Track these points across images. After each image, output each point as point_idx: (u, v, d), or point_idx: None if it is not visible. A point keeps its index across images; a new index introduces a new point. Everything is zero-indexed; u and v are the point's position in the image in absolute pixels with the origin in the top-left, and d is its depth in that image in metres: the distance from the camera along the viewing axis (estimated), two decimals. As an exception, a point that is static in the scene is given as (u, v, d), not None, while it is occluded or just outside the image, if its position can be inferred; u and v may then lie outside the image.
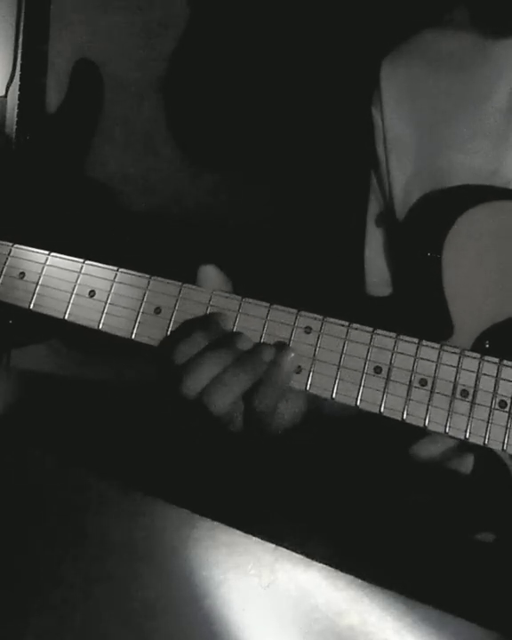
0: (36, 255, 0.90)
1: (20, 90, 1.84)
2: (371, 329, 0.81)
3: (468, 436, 0.78)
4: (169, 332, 0.85)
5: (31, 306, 0.90)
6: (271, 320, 0.83)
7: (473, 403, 0.78)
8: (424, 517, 1.00)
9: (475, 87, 1.03)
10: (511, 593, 0.88)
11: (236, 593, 0.84)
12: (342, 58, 1.88)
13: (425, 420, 0.79)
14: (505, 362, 0.79)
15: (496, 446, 0.78)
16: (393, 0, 1.82)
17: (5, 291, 0.90)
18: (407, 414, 0.79)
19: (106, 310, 0.87)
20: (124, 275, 0.87)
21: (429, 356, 0.80)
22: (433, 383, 0.79)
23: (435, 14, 1.12)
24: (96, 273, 0.88)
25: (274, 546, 0.86)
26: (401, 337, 0.80)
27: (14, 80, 1.84)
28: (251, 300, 0.84)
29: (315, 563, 0.85)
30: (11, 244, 0.91)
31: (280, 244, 1.95)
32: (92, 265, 0.89)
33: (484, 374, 0.79)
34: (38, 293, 0.89)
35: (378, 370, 0.80)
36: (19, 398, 1.54)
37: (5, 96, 1.85)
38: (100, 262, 0.89)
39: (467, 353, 0.79)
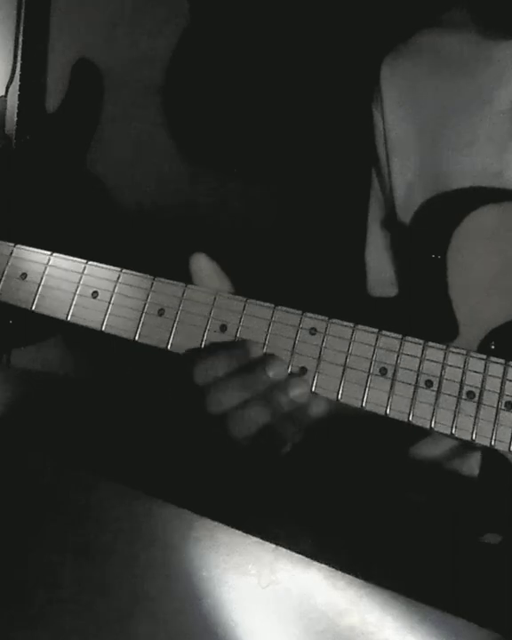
0: (39, 256, 0.90)
1: (19, 90, 1.84)
2: (376, 330, 0.81)
3: (474, 437, 0.78)
4: (172, 335, 0.84)
5: (33, 307, 0.89)
6: (276, 321, 0.83)
7: (479, 404, 0.78)
8: (423, 517, 1.00)
9: (476, 89, 1.03)
10: (511, 593, 0.88)
11: (236, 593, 0.84)
12: (343, 57, 1.88)
13: (431, 421, 0.79)
14: (511, 363, 0.79)
15: (502, 447, 0.78)
16: (393, 0, 1.82)
17: (7, 292, 0.90)
18: (413, 416, 0.79)
19: (109, 311, 0.87)
20: (127, 275, 0.87)
21: (435, 357, 0.80)
22: (439, 384, 0.79)
23: (435, 14, 1.12)
24: (99, 274, 0.88)
25: (274, 546, 0.86)
26: (406, 338, 0.80)
27: (14, 80, 1.84)
28: (255, 302, 0.84)
29: (315, 563, 0.85)
30: (12, 244, 0.91)
31: (283, 244, 1.95)
32: (94, 266, 0.88)
33: (490, 375, 0.78)
34: (40, 294, 0.89)
35: (383, 371, 0.80)
36: (19, 398, 1.54)
37: (5, 96, 1.85)
38: (102, 263, 0.89)
39: (472, 354, 0.79)
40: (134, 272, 0.87)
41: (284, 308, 0.83)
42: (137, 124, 2.04)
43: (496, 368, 0.79)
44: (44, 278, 0.89)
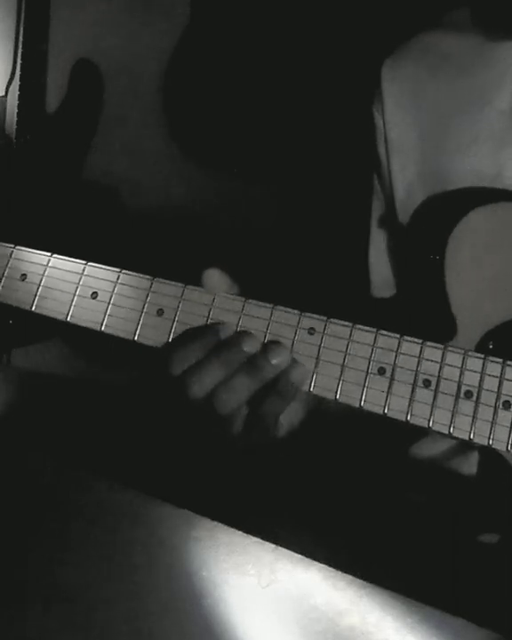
0: (38, 257, 0.90)
1: (19, 90, 1.84)
2: (374, 330, 0.81)
3: (472, 436, 0.78)
4: (171, 335, 0.85)
5: (33, 308, 0.89)
6: (274, 321, 0.83)
7: (477, 403, 0.78)
8: (422, 517, 1.00)
9: (477, 90, 1.04)
10: (511, 593, 0.88)
11: (235, 593, 0.84)
12: (343, 58, 1.88)
13: (429, 420, 0.79)
14: (509, 362, 0.79)
15: (500, 447, 0.78)
16: (394, 1, 1.82)
17: (7, 293, 0.90)
18: (411, 415, 0.79)
19: (108, 312, 0.87)
20: (127, 276, 0.87)
21: (433, 357, 0.80)
22: (437, 384, 0.79)
23: (436, 16, 1.12)
24: (98, 274, 0.88)
25: (273, 546, 0.86)
26: (405, 338, 0.80)
27: (14, 80, 1.84)
28: (254, 301, 0.84)
29: (315, 563, 0.85)
30: (12, 245, 0.91)
31: (283, 245, 1.95)
32: (94, 266, 0.88)
33: (488, 375, 0.79)
34: (40, 295, 0.89)
35: (382, 371, 0.80)
36: (19, 398, 1.54)
37: (5, 96, 1.85)
38: (102, 264, 0.89)
39: (470, 353, 0.79)
40: (133, 273, 0.87)
41: (283, 308, 0.83)
42: (137, 124, 2.05)
43: (494, 367, 0.79)
44: (43, 279, 0.89)
